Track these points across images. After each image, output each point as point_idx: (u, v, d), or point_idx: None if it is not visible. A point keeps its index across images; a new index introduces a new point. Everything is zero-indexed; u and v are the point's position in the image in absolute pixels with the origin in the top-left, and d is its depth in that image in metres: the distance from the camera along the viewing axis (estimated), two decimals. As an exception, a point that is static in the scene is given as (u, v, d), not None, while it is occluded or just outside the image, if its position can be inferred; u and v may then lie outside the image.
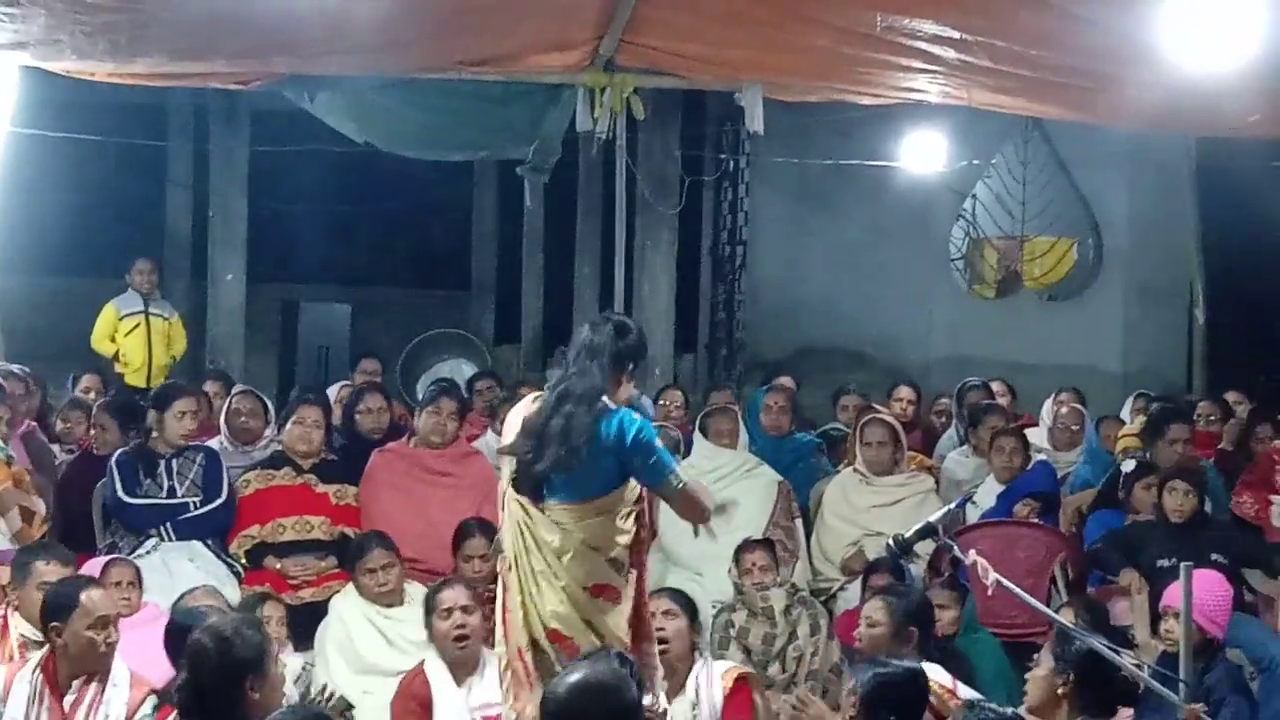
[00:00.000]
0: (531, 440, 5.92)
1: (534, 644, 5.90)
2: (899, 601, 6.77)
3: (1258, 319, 14.08)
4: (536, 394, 6.20)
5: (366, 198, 17.86)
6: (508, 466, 6.05)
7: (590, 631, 5.89)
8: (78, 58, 9.25)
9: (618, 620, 5.96)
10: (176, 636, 6.18)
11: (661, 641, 6.72)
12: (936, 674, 6.14)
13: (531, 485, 5.93)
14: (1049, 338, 15.35)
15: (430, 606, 7.19)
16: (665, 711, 6.56)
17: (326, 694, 6.97)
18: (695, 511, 6.13)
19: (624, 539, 5.99)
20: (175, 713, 5.58)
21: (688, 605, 7.12)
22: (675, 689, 6.84)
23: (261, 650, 5.45)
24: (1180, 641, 5.54)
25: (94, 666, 6.22)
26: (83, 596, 6.24)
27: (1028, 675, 5.81)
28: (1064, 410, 10.81)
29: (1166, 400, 11.54)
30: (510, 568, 5.96)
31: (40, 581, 6.90)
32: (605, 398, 5.96)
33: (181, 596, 7.24)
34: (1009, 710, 5.27)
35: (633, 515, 6.02)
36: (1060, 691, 5.60)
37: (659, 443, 6.05)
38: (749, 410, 10.65)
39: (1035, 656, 5.85)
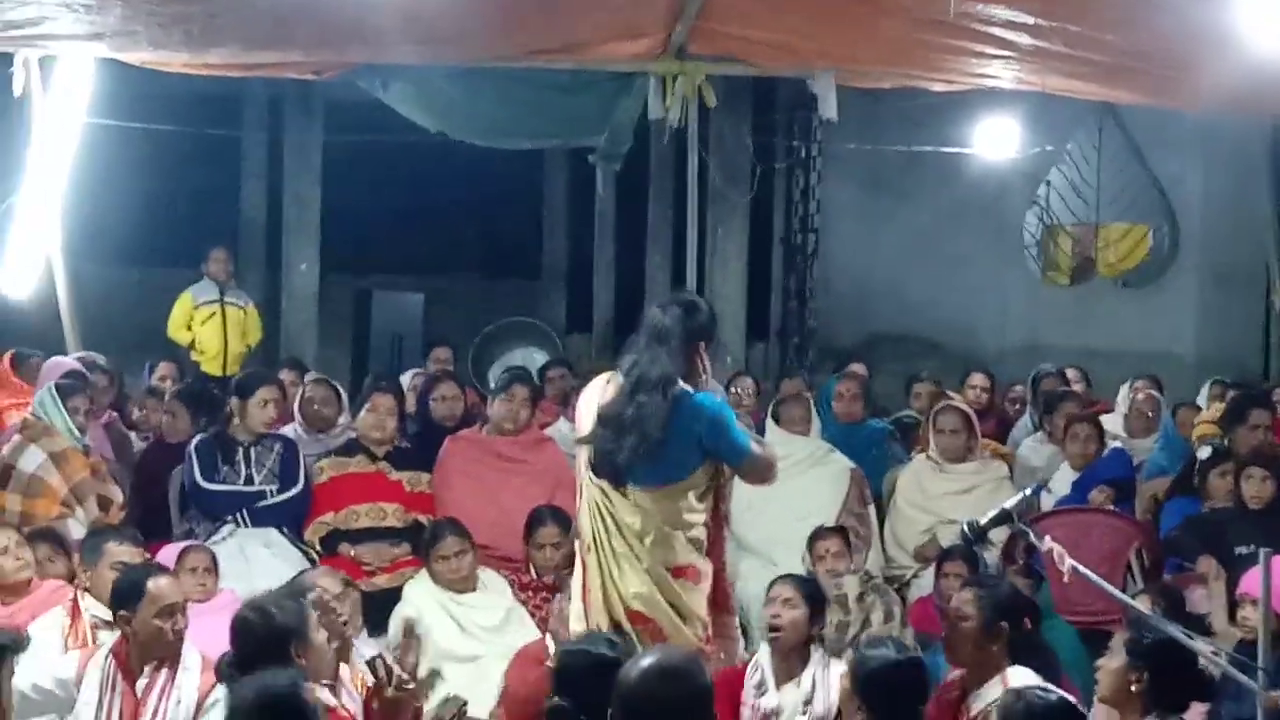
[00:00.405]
0: (609, 430, 5.93)
1: (615, 625, 5.91)
2: (989, 594, 6.47)
3: (1334, 304, 13.94)
4: (608, 374, 6.18)
5: (439, 187, 17.88)
6: (585, 450, 6.05)
7: (672, 611, 5.91)
8: (153, 49, 9.32)
9: (699, 599, 5.98)
10: None
11: (774, 629, 6.74)
12: (1026, 678, 6.05)
13: (611, 471, 5.94)
14: (1123, 324, 15.25)
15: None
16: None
17: (447, 697, 6.96)
18: (762, 476, 6.20)
19: (702, 518, 6.02)
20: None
21: (814, 595, 7.00)
22: (787, 677, 6.79)
23: (302, 617, 5.65)
24: (1259, 628, 5.48)
25: (163, 653, 6.27)
26: (150, 584, 6.28)
27: (1099, 664, 5.73)
28: (1139, 397, 10.73)
29: (1244, 386, 11.44)
30: (590, 549, 5.97)
31: (113, 562, 6.97)
32: (681, 381, 5.97)
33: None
34: (1056, 694, 5.21)
35: (710, 493, 6.04)
36: (1134, 688, 5.53)
37: (736, 422, 6.08)
38: (821, 398, 10.62)
39: (1109, 645, 5.80)
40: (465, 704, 6.52)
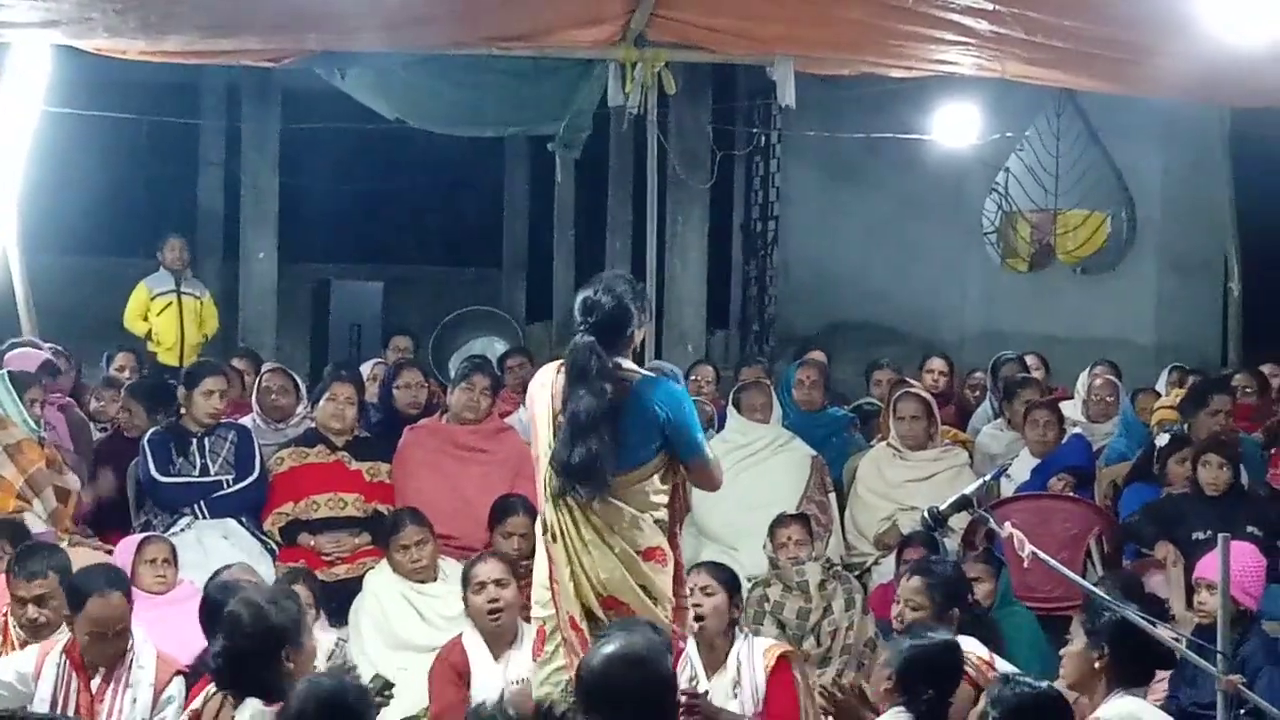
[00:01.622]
0: (568, 437, 5.86)
1: (588, 613, 5.88)
2: (938, 582, 6.69)
3: (1293, 291, 14.01)
4: (558, 363, 6.12)
5: (398, 175, 17.85)
6: (543, 440, 6.02)
7: (644, 594, 5.88)
8: (109, 35, 9.26)
9: (666, 580, 5.97)
10: (212, 611, 6.21)
11: (698, 619, 6.72)
12: (973, 646, 6.12)
13: (584, 478, 5.87)
14: (1082, 311, 15.29)
15: (465, 581, 7.19)
16: (707, 691, 6.56)
17: (368, 676, 6.95)
18: (711, 481, 6.17)
19: (665, 499, 6.00)
20: (211, 683, 5.62)
21: (729, 580, 7.01)
22: (715, 665, 6.83)
23: (297, 621, 5.53)
24: (1218, 613, 5.51)
25: (105, 662, 6.25)
26: (90, 603, 6.25)
27: (1063, 652, 5.79)
28: (1097, 382, 10.76)
29: (1202, 373, 11.49)
30: (556, 539, 5.93)
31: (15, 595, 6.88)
32: (625, 364, 5.95)
33: (216, 573, 7.26)
34: (1044, 683, 5.24)
35: (670, 474, 6.02)
36: (1096, 665, 5.58)
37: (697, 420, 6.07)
38: (782, 386, 10.63)
39: (1069, 632, 5.82)
40: (392, 685, 6.53)
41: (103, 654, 6.24)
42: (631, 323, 6.00)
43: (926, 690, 5.51)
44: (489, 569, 7.16)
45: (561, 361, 6.08)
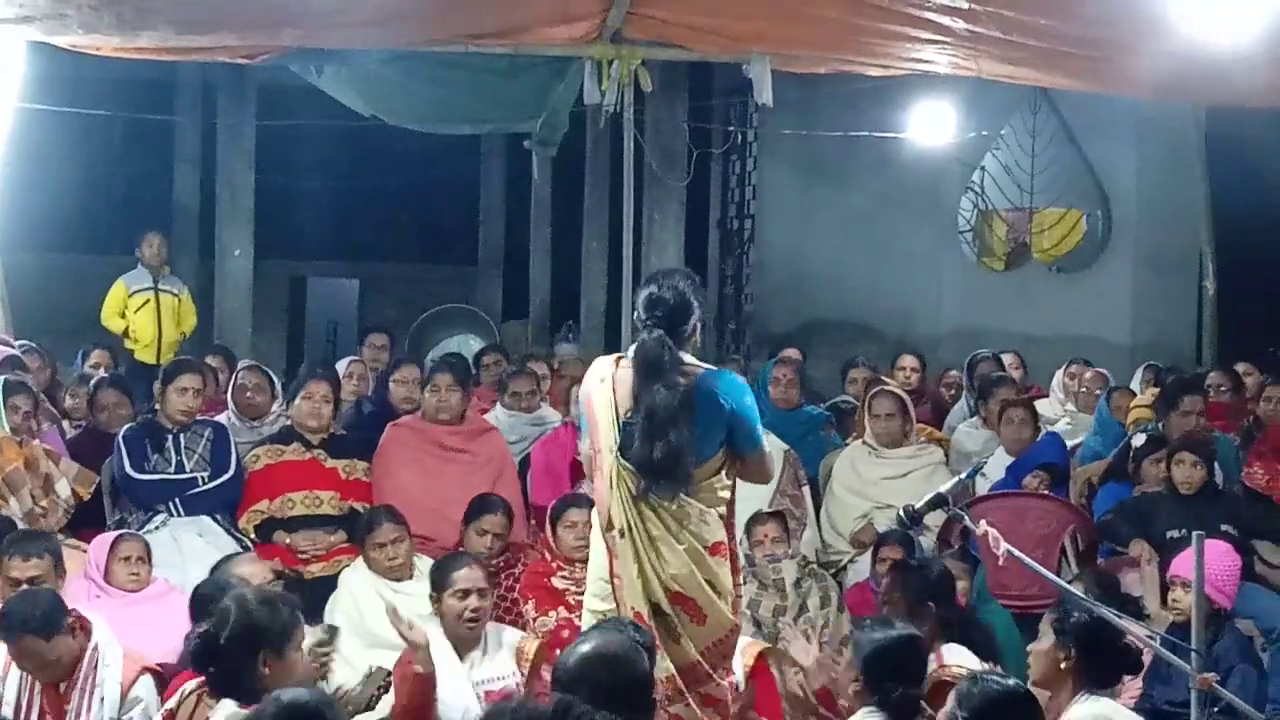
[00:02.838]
0: (643, 433, 5.83)
1: (655, 608, 5.87)
2: (912, 577, 6.66)
3: (1268, 289, 14.04)
4: (614, 356, 6.10)
5: (374, 172, 17.87)
6: (607, 436, 5.97)
7: (709, 589, 5.89)
8: (84, 32, 9.23)
9: (728, 574, 5.98)
10: (204, 601, 6.20)
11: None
12: (965, 659, 6.07)
13: (663, 474, 5.85)
14: (1058, 309, 15.32)
15: (443, 583, 7.10)
16: None
17: (343, 675, 6.91)
18: (765, 473, 6.24)
19: (729, 494, 6.01)
20: (188, 680, 5.61)
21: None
22: None
23: (284, 629, 5.45)
24: (1192, 611, 5.52)
25: (57, 677, 6.23)
26: (18, 639, 6.19)
27: (1030, 648, 5.77)
28: (1088, 374, 10.93)
29: (1177, 372, 11.53)
30: (623, 534, 5.90)
31: (7, 576, 6.90)
32: (688, 358, 5.97)
33: (225, 559, 7.28)
34: (1012, 680, 5.24)
35: (731, 470, 6.03)
36: (1063, 666, 5.56)
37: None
38: (758, 384, 10.62)
39: (1038, 629, 5.82)
40: (389, 674, 6.49)
41: (49, 674, 6.22)
42: (694, 316, 6.00)
43: (896, 687, 5.51)
44: (473, 576, 7.04)
45: (618, 355, 6.08)
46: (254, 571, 6.93)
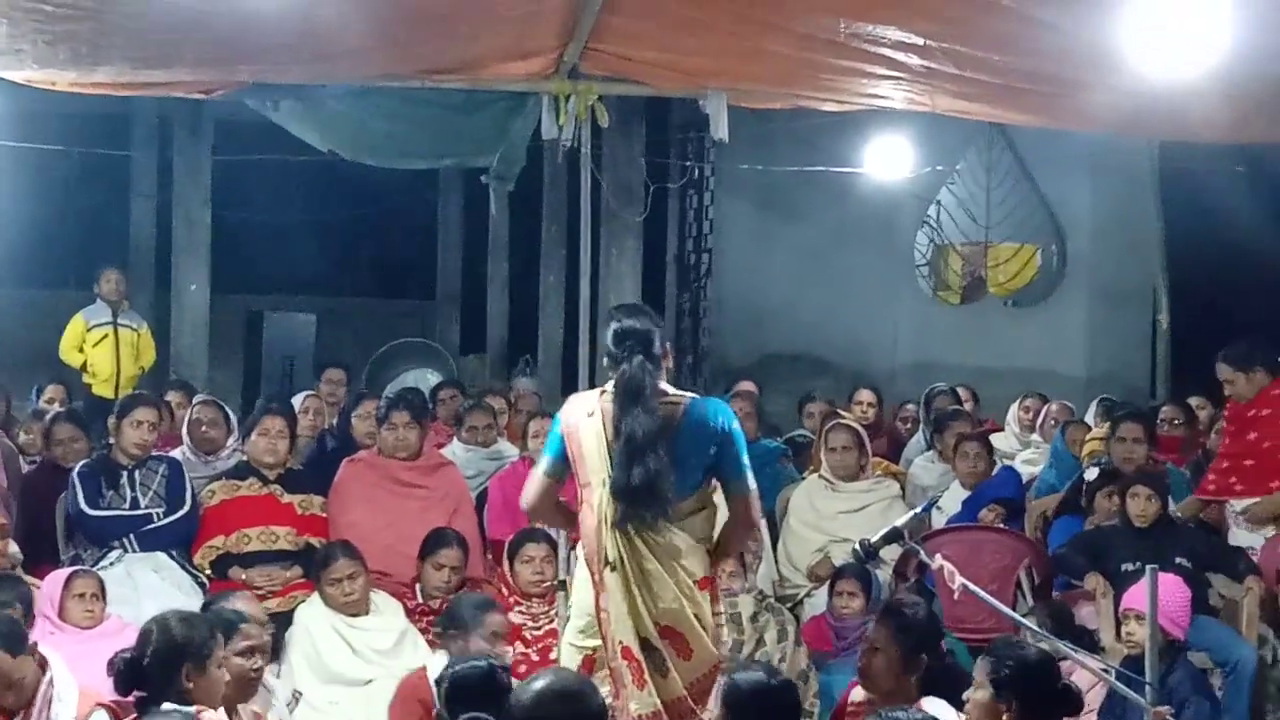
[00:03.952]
0: (625, 460, 5.85)
1: (644, 643, 5.87)
2: (908, 626, 6.30)
3: (1221, 323, 14.07)
4: (598, 390, 6.14)
5: (331, 207, 17.86)
6: (596, 471, 5.98)
7: (696, 623, 5.91)
8: (39, 66, 9.20)
9: (708, 608, 5.99)
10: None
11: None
12: (945, 713, 6.04)
13: (648, 501, 5.86)
14: (1013, 343, 15.40)
15: (482, 623, 7.11)
16: None
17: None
18: (753, 518, 6.17)
19: (714, 530, 6.03)
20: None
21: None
22: None
23: (204, 644, 5.63)
24: (1146, 643, 5.55)
25: (16, 708, 6.19)
26: None
27: (967, 698, 5.69)
28: (1054, 407, 11.07)
29: (1131, 405, 11.58)
30: (614, 568, 5.89)
31: None
32: (667, 389, 6.01)
33: (217, 597, 7.31)
34: (915, 713, 5.24)
35: (715, 504, 6.05)
36: (1005, 718, 5.51)
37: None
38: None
39: (972, 675, 5.73)
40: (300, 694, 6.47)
41: (6, 704, 6.17)
42: (662, 343, 6.05)
43: None
44: (503, 621, 7.22)
45: (601, 389, 6.10)
46: (249, 611, 6.91)
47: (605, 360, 6.15)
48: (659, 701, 5.87)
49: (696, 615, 5.92)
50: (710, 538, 6.03)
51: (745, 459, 6.04)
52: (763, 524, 9.46)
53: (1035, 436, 11.17)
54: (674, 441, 5.87)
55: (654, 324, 6.07)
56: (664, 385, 6.01)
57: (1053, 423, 10.96)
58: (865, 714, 6.21)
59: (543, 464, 6.16)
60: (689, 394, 6.09)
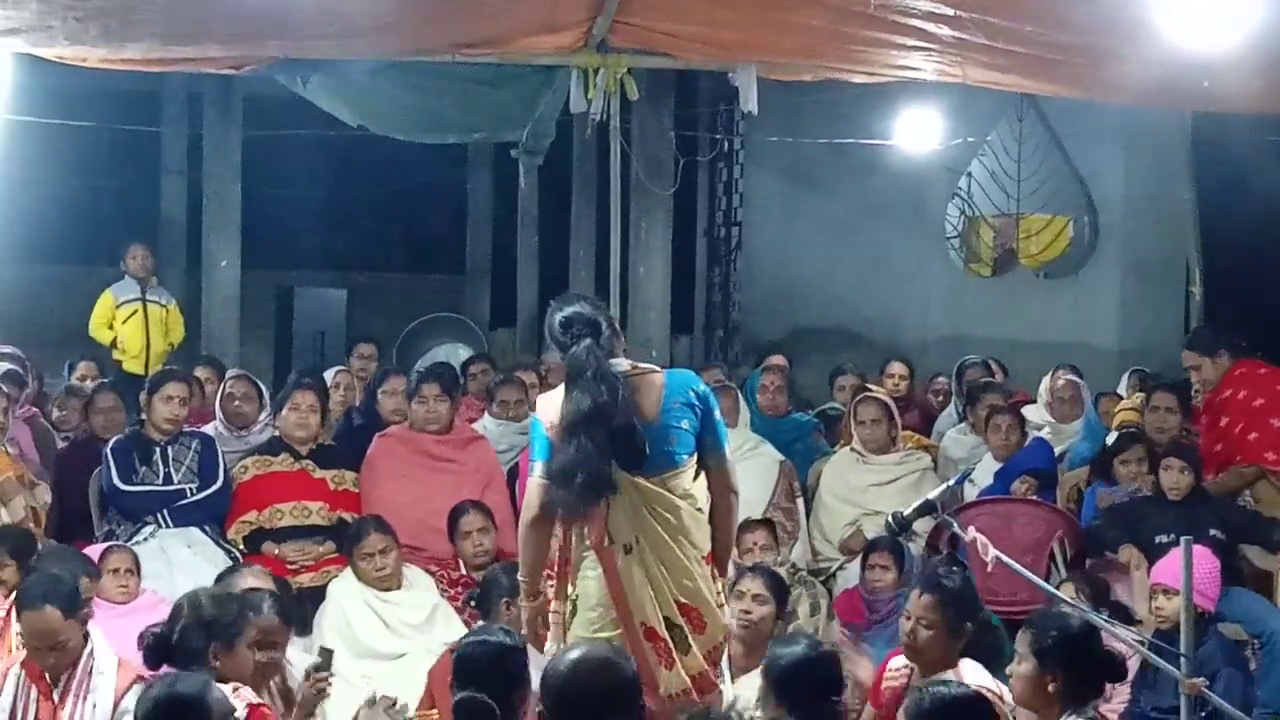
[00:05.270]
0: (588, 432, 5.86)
1: (668, 622, 5.92)
2: (951, 598, 6.25)
3: (1254, 295, 14.05)
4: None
5: (361, 182, 17.86)
6: None
7: (707, 599, 5.96)
8: (70, 44, 9.22)
9: (716, 584, 6.03)
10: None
11: (746, 627, 6.88)
12: (984, 679, 6.00)
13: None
14: (1045, 315, 15.32)
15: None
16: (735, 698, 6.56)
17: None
18: (734, 484, 6.20)
19: (707, 504, 6.07)
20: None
21: (779, 590, 7.19)
22: (747, 668, 6.76)
23: (233, 623, 5.75)
24: (1181, 616, 5.52)
25: (53, 672, 6.24)
26: (24, 616, 6.24)
27: (1010, 671, 5.68)
28: (1059, 383, 10.83)
29: (1164, 377, 11.54)
30: (628, 549, 5.91)
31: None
32: (636, 365, 6.08)
33: (227, 571, 7.37)
34: (957, 688, 5.23)
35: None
36: (1051, 689, 5.48)
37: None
38: (746, 392, 10.64)
39: (1016, 648, 5.69)
40: (331, 652, 6.45)
41: (48, 665, 6.21)
42: (606, 323, 6.06)
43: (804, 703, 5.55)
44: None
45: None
46: (259, 585, 6.93)
47: (555, 350, 6.18)
48: (688, 679, 5.90)
49: (706, 590, 5.98)
50: (705, 512, 6.06)
51: (722, 428, 6.14)
52: (800, 503, 9.49)
53: (1044, 420, 10.88)
54: (663, 410, 5.94)
55: (596, 308, 6.08)
56: (625, 362, 6.05)
57: (1058, 400, 10.73)
58: (900, 676, 6.24)
59: (537, 469, 6.09)
60: (658, 368, 6.16)
